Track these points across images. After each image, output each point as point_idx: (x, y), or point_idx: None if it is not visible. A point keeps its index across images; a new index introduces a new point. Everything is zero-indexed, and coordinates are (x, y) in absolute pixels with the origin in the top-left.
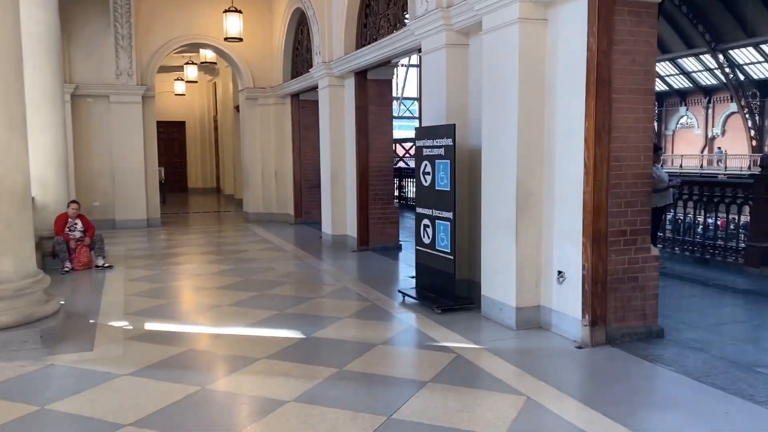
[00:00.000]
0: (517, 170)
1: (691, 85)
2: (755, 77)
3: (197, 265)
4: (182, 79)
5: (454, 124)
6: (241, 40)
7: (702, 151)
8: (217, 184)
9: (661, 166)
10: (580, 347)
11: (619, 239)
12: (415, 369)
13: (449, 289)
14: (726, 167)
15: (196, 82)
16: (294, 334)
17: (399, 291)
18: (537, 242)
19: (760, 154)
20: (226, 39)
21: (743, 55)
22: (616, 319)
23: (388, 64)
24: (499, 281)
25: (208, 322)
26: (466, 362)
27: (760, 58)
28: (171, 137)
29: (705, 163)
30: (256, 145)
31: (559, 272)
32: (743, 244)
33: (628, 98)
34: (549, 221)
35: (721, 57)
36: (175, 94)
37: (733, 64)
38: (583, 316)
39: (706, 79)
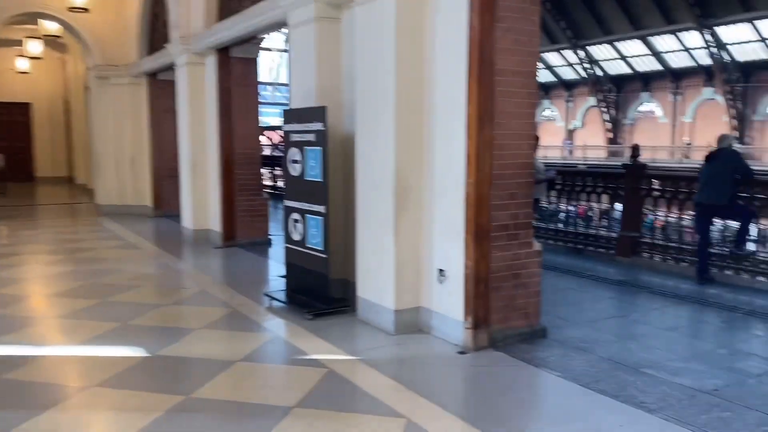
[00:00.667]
0: (395, 160)
1: (554, 79)
2: (611, 73)
3: (31, 267)
4: (24, 56)
5: (325, 107)
6: (87, 10)
7: (563, 142)
8: (69, 173)
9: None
10: (462, 352)
11: (502, 234)
12: (279, 391)
13: (322, 291)
14: (585, 157)
15: (40, 58)
16: (136, 353)
17: (265, 294)
18: (417, 238)
19: (615, 146)
20: (70, 9)
21: (600, 51)
22: (499, 319)
23: (253, 41)
24: (376, 282)
25: (27, 339)
26: (338, 379)
27: (616, 55)
28: (14, 120)
29: (567, 153)
30: (108, 130)
31: (440, 270)
32: (614, 234)
33: (512, 81)
34: (430, 215)
35: (581, 53)
36: (18, 72)
37: (592, 60)
38: (466, 318)
39: (567, 74)
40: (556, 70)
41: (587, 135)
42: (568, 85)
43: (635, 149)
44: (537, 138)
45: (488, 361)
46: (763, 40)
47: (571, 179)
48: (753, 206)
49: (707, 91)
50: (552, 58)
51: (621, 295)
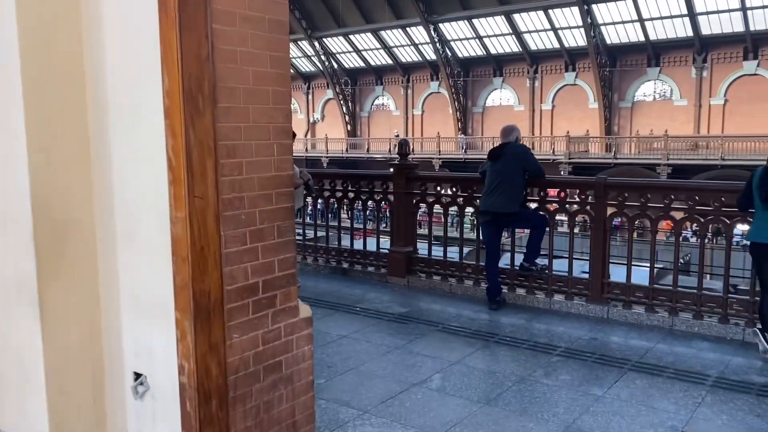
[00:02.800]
0: (31, 180)
1: (292, 71)
2: (347, 66)
3: None
4: None
5: None
6: None
7: (305, 135)
8: None
9: None
10: None
11: (244, 302)
12: None
13: None
14: (327, 150)
15: None
16: None
17: None
18: (90, 318)
19: (355, 138)
20: None
21: (336, 44)
22: None
23: None
24: (13, 398)
25: None
26: None
27: (349, 48)
28: None
29: (309, 147)
30: None
31: (137, 376)
32: (385, 250)
33: (244, 33)
34: (110, 277)
35: (317, 45)
36: None
37: (327, 53)
38: None
39: (305, 66)
40: (294, 61)
41: (327, 128)
42: (307, 77)
43: (402, 146)
44: (294, 134)
45: None
46: (478, 37)
47: (330, 182)
48: (543, 212)
49: (434, 85)
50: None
51: (409, 340)
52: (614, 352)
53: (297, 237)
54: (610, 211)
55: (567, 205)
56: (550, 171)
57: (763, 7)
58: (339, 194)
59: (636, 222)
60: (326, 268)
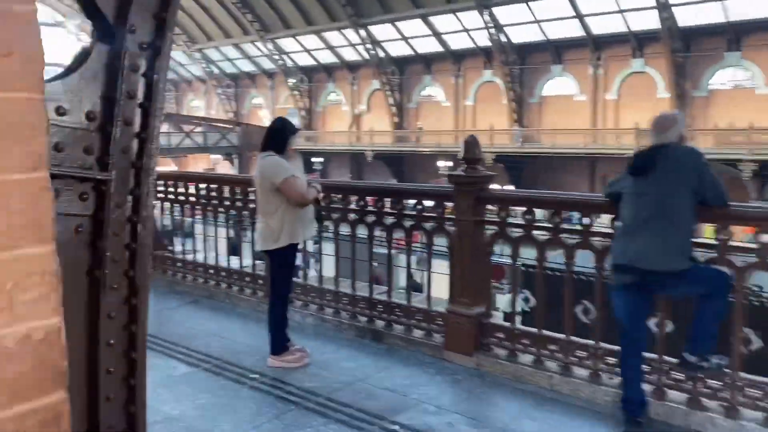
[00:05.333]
0: None
1: (337, 61)
2: (393, 55)
3: None
4: None
5: None
6: None
7: (350, 128)
8: None
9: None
10: None
11: None
12: None
13: None
14: (373, 143)
15: None
16: None
17: None
18: None
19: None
20: None
21: (383, 31)
22: None
23: None
24: None
25: None
26: None
27: (398, 36)
28: None
29: (354, 140)
30: None
31: None
32: (440, 308)
33: None
34: None
35: (362, 32)
36: None
37: (374, 41)
38: None
39: (350, 55)
40: (339, 50)
41: (373, 120)
42: (352, 67)
43: (471, 146)
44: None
45: None
46: (536, 21)
47: (358, 200)
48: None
49: (487, 74)
50: (333, 37)
51: None
52: None
53: (310, 277)
54: None
55: None
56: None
57: None
58: (371, 218)
59: None
60: (351, 327)
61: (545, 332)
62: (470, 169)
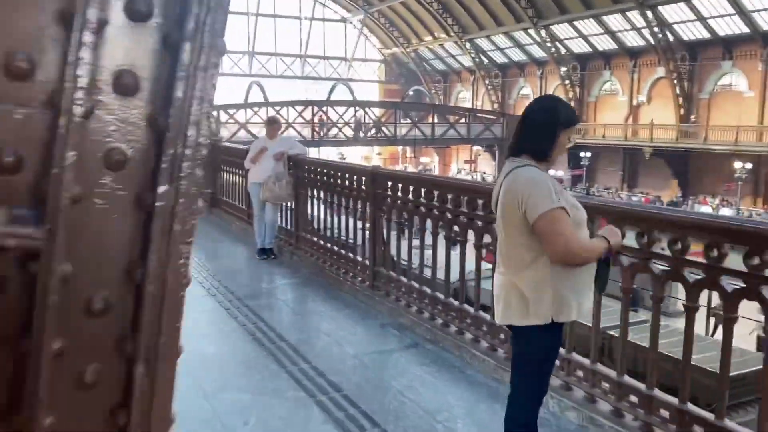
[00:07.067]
0: None
1: (616, 47)
2: (685, 38)
3: None
4: None
5: None
6: None
7: (626, 120)
8: None
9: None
10: None
11: None
12: None
13: None
14: (652, 138)
15: None
16: None
17: None
18: None
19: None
20: None
21: (674, 12)
22: None
23: None
24: None
25: None
26: None
27: (693, 17)
28: None
29: (629, 134)
30: None
31: None
32: None
33: None
34: None
35: (650, 14)
36: None
37: (662, 23)
38: None
39: (632, 40)
40: (619, 35)
41: (655, 112)
42: (633, 54)
43: None
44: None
45: None
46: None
47: None
48: None
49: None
50: (614, 21)
51: None
52: None
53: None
54: None
55: None
56: None
57: None
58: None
59: None
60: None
61: None
62: None
